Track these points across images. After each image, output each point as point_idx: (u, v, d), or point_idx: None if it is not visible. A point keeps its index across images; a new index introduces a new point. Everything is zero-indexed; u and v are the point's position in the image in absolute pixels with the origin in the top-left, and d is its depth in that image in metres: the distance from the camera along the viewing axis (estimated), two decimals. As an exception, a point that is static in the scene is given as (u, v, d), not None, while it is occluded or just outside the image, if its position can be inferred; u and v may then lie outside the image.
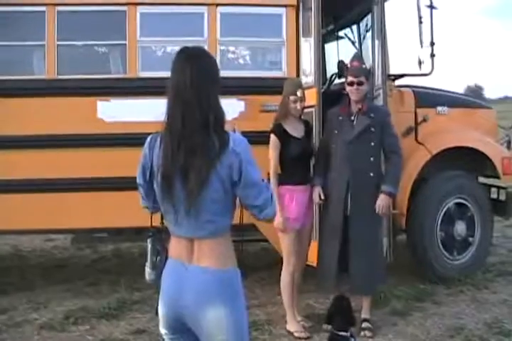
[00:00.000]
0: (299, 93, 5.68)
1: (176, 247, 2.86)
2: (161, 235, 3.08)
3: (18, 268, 8.37)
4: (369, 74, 5.90)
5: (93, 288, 7.33)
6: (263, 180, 2.85)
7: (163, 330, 2.91)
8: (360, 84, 5.61)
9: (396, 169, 5.72)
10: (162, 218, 2.94)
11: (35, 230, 7.42)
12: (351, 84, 5.63)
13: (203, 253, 2.78)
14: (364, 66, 5.82)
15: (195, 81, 2.73)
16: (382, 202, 5.57)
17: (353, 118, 5.67)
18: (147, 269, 3.13)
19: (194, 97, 2.72)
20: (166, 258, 2.94)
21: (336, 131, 5.69)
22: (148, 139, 2.93)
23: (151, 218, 3.13)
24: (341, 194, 5.63)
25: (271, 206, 2.86)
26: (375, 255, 5.79)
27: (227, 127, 2.81)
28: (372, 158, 5.63)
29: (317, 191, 5.71)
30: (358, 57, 5.96)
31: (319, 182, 5.73)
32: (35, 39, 6.86)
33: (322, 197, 5.70)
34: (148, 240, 3.14)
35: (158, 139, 2.84)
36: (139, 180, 2.99)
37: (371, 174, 5.62)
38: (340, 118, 5.70)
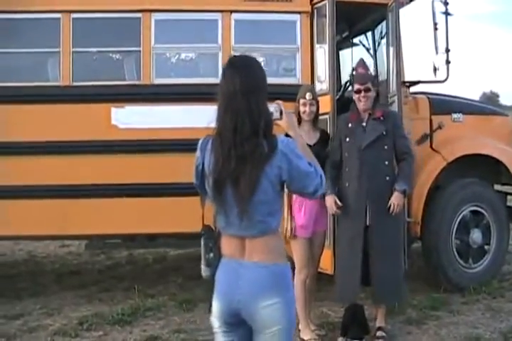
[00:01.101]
0: (307, 96, 5.66)
1: (227, 246, 3.01)
2: (213, 233, 3.14)
3: (32, 274, 8.42)
4: (375, 79, 5.87)
5: (107, 294, 7.33)
6: (310, 164, 2.96)
7: (216, 324, 3.03)
8: (367, 90, 5.56)
9: (408, 168, 5.67)
10: (214, 217, 3.04)
11: (49, 236, 7.45)
12: (358, 91, 5.58)
13: (255, 249, 2.92)
14: (369, 72, 5.79)
15: (244, 89, 2.84)
16: (396, 200, 5.51)
17: (364, 124, 5.62)
18: (202, 266, 3.20)
19: (244, 105, 2.83)
20: (220, 255, 3.06)
21: (348, 139, 5.62)
22: (200, 142, 3.03)
23: (203, 216, 3.18)
24: (361, 203, 5.54)
25: (321, 187, 3.01)
26: (398, 264, 5.75)
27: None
28: (386, 162, 5.58)
29: (331, 200, 5.60)
30: (363, 63, 5.89)
31: (332, 191, 5.62)
32: (51, 46, 6.90)
33: (340, 204, 5.59)
34: (202, 238, 3.21)
35: (210, 143, 2.94)
36: (195, 181, 3.08)
37: (387, 178, 5.56)
38: (350, 125, 5.63)
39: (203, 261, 3.20)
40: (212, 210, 3.01)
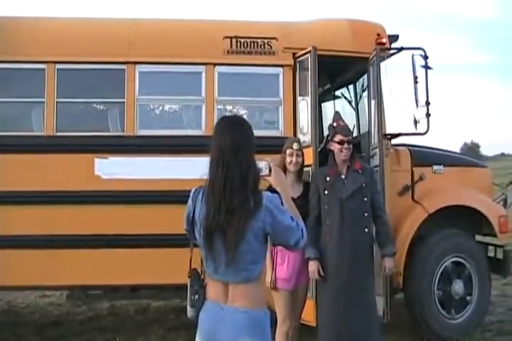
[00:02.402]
0: (294, 146, 5.69)
1: (212, 290, 3.22)
2: (199, 276, 3.33)
3: (11, 325, 8.25)
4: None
5: (88, 346, 7.20)
6: (292, 219, 3.16)
7: None
8: (349, 142, 5.64)
9: (388, 228, 5.82)
10: (201, 262, 3.25)
11: (30, 286, 7.37)
12: (341, 142, 5.63)
13: (237, 295, 3.13)
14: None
15: (235, 146, 3.09)
16: (389, 264, 5.66)
17: (343, 176, 5.66)
18: (188, 307, 3.33)
19: (235, 161, 3.07)
20: (204, 297, 3.26)
21: (327, 192, 5.63)
22: (192, 191, 3.27)
23: (191, 260, 3.36)
24: (343, 254, 5.55)
25: (302, 239, 3.19)
26: (374, 315, 5.73)
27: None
28: (366, 214, 5.63)
29: (315, 267, 5.58)
30: (339, 116, 5.99)
31: (315, 255, 5.60)
32: (35, 96, 6.96)
33: (321, 274, 5.59)
34: (188, 280, 3.34)
35: (201, 193, 3.19)
36: (186, 226, 3.30)
37: (365, 229, 5.61)
38: (328, 179, 5.66)
39: (188, 302, 3.32)
40: (201, 255, 3.21)
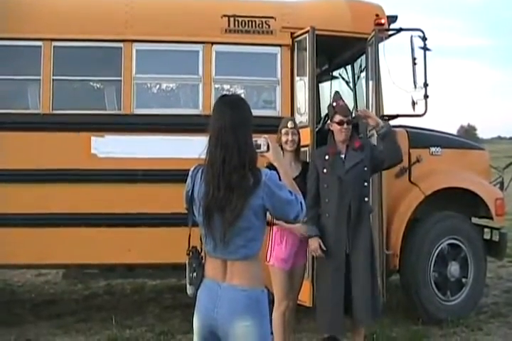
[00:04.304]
0: (289, 124, 5.69)
1: (210, 268, 3.28)
2: (198, 254, 3.37)
3: (7, 303, 8.28)
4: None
5: (84, 325, 7.23)
6: (291, 193, 3.23)
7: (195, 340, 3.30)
8: (348, 123, 5.64)
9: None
10: (201, 239, 3.31)
11: (26, 265, 7.37)
12: (341, 123, 5.63)
13: (235, 273, 3.19)
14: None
15: (234, 125, 3.16)
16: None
17: (343, 156, 5.66)
18: (187, 284, 3.39)
19: (233, 140, 3.14)
20: (202, 275, 3.32)
21: (325, 170, 5.63)
22: (192, 169, 3.34)
23: (189, 237, 3.39)
24: (342, 231, 5.57)
25: (302, 213, 3.26)
26: (375, 287, 5.72)
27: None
28: (366, 183, 5.65)
29: (316, 243, 5.59)
30: (340, 96, 5.98)
31: (316, 232, 5.61)
32: (31, 74, 6.91)
33: (324, 248, 5.58)
34: (186, 258, 3.39)
35: (200, 172, 3.26)
36: (185, 204, 3.36)
37: (366, 199, 5.66)
38: (327, 157, 5.66)
39: (187, 280, 3.38)
40: (200, 233, 3.27)
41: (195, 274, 3.34)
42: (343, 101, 5.84)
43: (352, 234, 5.56)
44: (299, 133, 5.79)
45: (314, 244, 5.60)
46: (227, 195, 3.10)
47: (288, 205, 3.20)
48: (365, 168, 5.62)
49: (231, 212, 3.09)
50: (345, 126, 5.62)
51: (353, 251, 5.56)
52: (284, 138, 5.70)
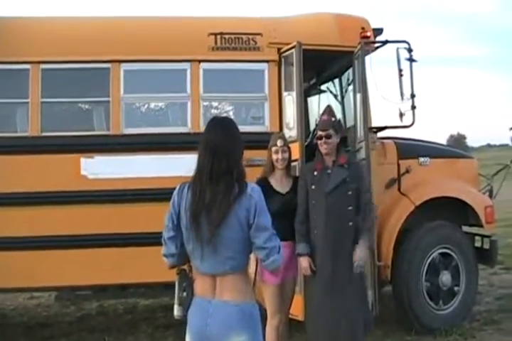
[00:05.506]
0: (279, 142, 5.69)
1: (200, 285, 3.30)
2: (187, 273, 3.40)
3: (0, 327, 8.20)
4: (339, 126, 5.94)
5: (77, 347, 7.17)
6: (271, 222, 3.28)
7: None
8: (328, 137, 5.62)
9: (370, 224, 5.87)
10: (189, 256, 3.33)
11: (18, 288, 7.32)
12: (319, 138, 5.66)
13: (225, 288, 3.21)
14: (333, 119, 5.87)
15: (224, 140, 3.27)
16: (361, 253, 5.60)
17: (329, 171, 5.67)
18: (175, 305, 3.41)
19: (222, 151, 3.24)
20: (192, 294, 3.33)
21: (314, 186, 5.64)
22: (178, 187, 3.36)
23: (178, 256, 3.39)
24: (328, 251, 5.56)
25: (278, 254, 3.27)
26: (366, 302, 5.82)
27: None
28: (350, 207, 5.63)
29: (306, 262, 5.59)
30: (329, 110, 5.98)
31: (306, 250, 5.61)
32: (20, 96, 6.90)
33: (314, 268, 5.59)
34: (176, 277, 3.42)
35: (186, 188, 3.30)
36: (168, 223, 3.37)
37: (350, 223, 5.61)
38: (315, 173, 5.67)
39: (176, 300, 3.40)
40: (188, 250, 3.29)
41: (184, 294, 3.35)
42: (329, 115, 5.85)
43: (338, 253, 5.56)
44: (289, 149, 5.80)
45: (304, 263, 5.61)
46: (214, 199, 3.17)
47: (266, 231, 3.24)
48: (349, 192, 5.62)
49: (217, 213, 3.14)
50: (323, 140, 5.63)
51: (339, 270, 5.55)
52: (274, 157, 5.70)
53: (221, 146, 3.24)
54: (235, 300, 3.19)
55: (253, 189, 3.27)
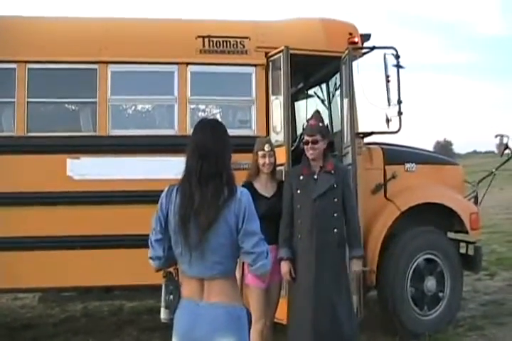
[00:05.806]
0: (266, 147, 5.71)
1: (187, 288, 3.28)
2: (173, 276, 3.38)
3: (-17, 328, 8.15)
4: (326, 131, 5.94)
5: (61, 349, 7.13)
6: (259, 229, 3.28)
7: None
8: (314, 142, 5.64)
9: (357, 231, 5.84)
10: (177, 259, 3.31)
11: (1, 289, 7.27)
12: (306, 143, 5.68)
13: (213, 291, 3.21)
14: (321, 124, 5.88)
15: (213, 142, 3.26)
16: (357, 267, 5.75)
17: (315, 176, 5.68)
18: (162, 309, 3.38)
19: (211, 153, 3.22)
20: (179, 297, 3.31)
21: (299, 191, 5.66)
22: (166, 190, 3.34)
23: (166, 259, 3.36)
24: (311, 255, 5.58)
25: (266, 259, 3.27)
26: (351, 308, 5.78)
27: None
28: (335, 214, 5.65)
29: (287, 268, 5.63)
30: (317, 115, 6.01)
31: (287, 255, 5.63)
32: (5, 96, 6.88)
33: (293, 275, 5.63)
34: (163, 280, 3.39)
35: (175, 190, 3.27)
36: (156, 226, 3.34)
37: (335, 230, 5.63)
38: (302, 178, 5.69)
39: (162, 303, 3.37)
40: (175, 253, 3.26)
41: (171, 297, 3.33)
42: (317, 120, 5.87)
43: (320, 258, 5.57)
44: (275, 154, 5.82)
45: (285, 267, 5.63)
46: (202, 203, 3.14)
47: (255, 236, 3.23)
48: (335, 200, 5.64)
49: (206, 218, 3.12)
50: (310, 145, 5.65)
51: (323, 275, 5.56)
52: (261, 161, 5.72)
53: (210, 148, 3.23)
54: (223, 302, 3.19)
55: (242, 193, 3.27)
